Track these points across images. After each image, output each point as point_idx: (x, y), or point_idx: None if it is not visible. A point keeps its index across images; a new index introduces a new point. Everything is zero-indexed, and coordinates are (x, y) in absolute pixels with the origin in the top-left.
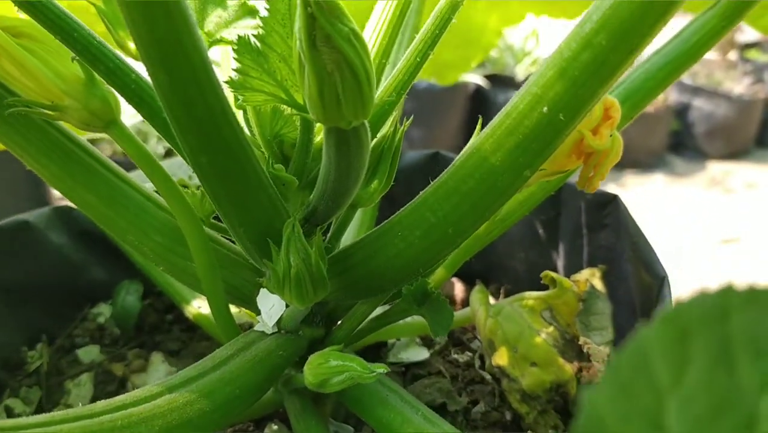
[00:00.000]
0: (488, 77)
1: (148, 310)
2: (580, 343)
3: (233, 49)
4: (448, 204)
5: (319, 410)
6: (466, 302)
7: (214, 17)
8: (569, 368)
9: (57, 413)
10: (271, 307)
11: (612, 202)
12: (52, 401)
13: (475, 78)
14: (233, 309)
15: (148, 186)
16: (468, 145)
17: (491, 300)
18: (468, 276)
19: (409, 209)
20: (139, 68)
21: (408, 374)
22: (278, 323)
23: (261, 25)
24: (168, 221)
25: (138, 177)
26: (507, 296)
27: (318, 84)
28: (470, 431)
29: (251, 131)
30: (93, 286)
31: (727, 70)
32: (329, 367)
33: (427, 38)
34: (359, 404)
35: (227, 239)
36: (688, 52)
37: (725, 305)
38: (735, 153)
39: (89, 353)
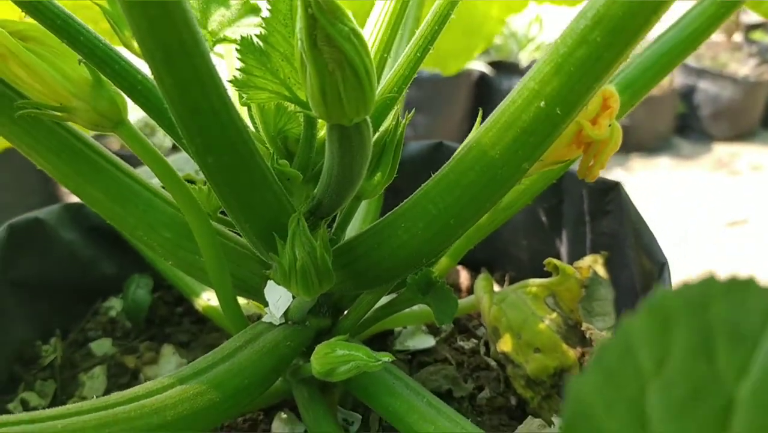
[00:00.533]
0: (492, 64)
1: (158, 303)
2: (582, 329)
3: (237, 49)
4: (449, 196)
5: (327, 399)
6: (471, 290)
7: (217, 16)
8: (572, 353)
9: (72, 405)
10: (278, 298)
11: (614, 189)
12: (66, 394)
13: (479, 65)
14: (242, 301)
15: (155, 182)
16: (468, 138)
17: (495, 287)
18: (473, 264)
19: (411, 201)
20: (146, 68)
21: (414, 361)
22: (285, 314)
23: (263, 24)
24: (175, 216)
25: (145, 173)
26: (511, 283)
27: (320, 82)
28: (476, 417)
29: (256, 128)
30: (104, 280)
31: (733, 51)
32: (336, 356)
33: (427, 33)
34: (366, 392)
35: (234, 232)
36: (687, 39)
37: (706, 295)
38: (741, 135)
39: (102, 346)
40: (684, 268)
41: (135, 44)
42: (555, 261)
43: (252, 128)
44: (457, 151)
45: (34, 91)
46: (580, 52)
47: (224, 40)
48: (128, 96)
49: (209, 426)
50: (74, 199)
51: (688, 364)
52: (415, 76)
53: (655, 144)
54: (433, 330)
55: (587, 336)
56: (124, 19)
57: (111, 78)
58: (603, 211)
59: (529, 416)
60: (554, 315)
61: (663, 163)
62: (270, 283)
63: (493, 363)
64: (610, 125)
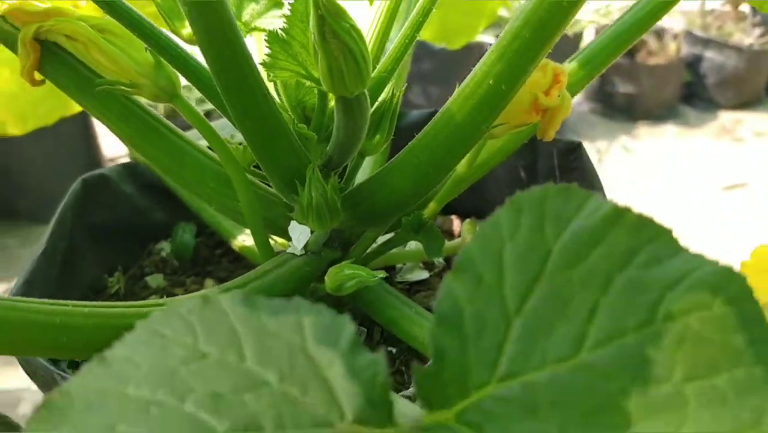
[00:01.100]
0: None
1: (201, 246)
2: None
3: (265, 39)
4: (428, 151)
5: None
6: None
7: (249, 10)
8: None
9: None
10: (299, 234)
11: (577, 149)
12: None
13: (488, 38)
14: (271, 241)
15: (201, 143)
16: (443, 106)
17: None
18: (464, 213)
19: (401, 155)
20: (192, 50)
21: (412, 290)
22: (305, 247)
23: (285, 20)
24: (218, 170)
25: (193, 135)
26: None
27: (328, 65)
28: None
29: (281, 99)
30: (156, 227)
31: (738, 22)
32: (344, 274)
33: (410, 30)
34: (369, 306)
35: (264, 183)
36: (640, 22)
37: (545, 194)
38: (746, 103)
39: (155, 280)
40: (685, 226)
41: (183, 32)
42: None
43: (277, 99)
44: (435, 116)
45: (110, 72)
46: (515, 45)
47: (255, 29)
48: (182, 74)
49: None
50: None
51: (529, 234)
52: (428, 50)
53: (662, 112)
54: (428, 267)
55: None
56: (174, 11)
57: (168, 61)
58: (569, 167)
59: None
60: None
61: (669, 130)
62: (293, 222)
63: None
64: (560, 95)
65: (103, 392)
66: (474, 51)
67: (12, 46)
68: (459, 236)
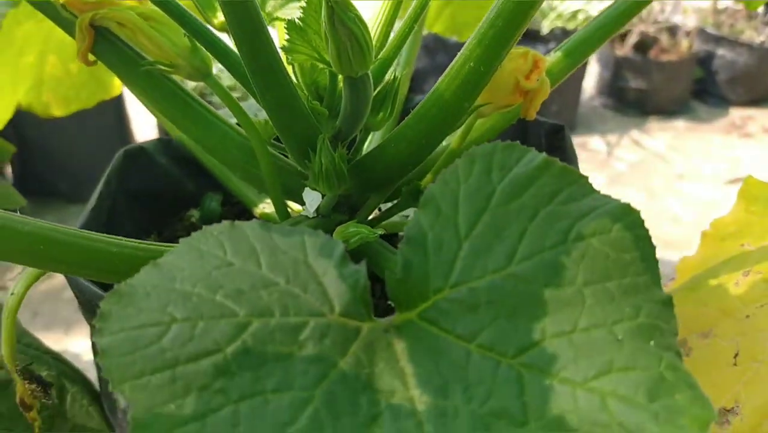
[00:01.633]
0: None
1: (226, 213)
2: None
3: (285, 27)
4: (420, 124)
5: None
6: None
7: (272, 2)
8: None
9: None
10: (312, 199)
11: (562, 130)
12: None
13: None
14: (288, 207)
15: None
16: (434, 85)
17: None
18: None
19: (398, 129)
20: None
21: None
22: (317, 210)
23: (302, 10)
24: (243, 142)
25: (224, 114)
26: None
27: (336, 49)
28: None
29: (297, 79)
30: (186, 196)
31: (750, 20)
32: (349, 231)
33: (409, 22)
34: (372, 261)
35: (283, 154)
36: (618, 17)
37: (494, 148)
38: (756, 99)
39: None
40: (690, 219)
41: (214, 21)
42: None
43: (295, 80)
44: (427, 94)
45: (153, 53)
46: (491, 32)
47: (276, 19)
48: (215, 57)
49: None
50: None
51: (479, 178)
52: (444, 43)
53: (673, 107)
54: None
55: None
56: (208, 3)
57: (203, 45)
58: (555, 146)
59: None
60: None
61: (679, 125)
62: (306, 188)
63: None
64: (539, 80)
65: (157, 286)
66: None
67: (69, 31)
68: None
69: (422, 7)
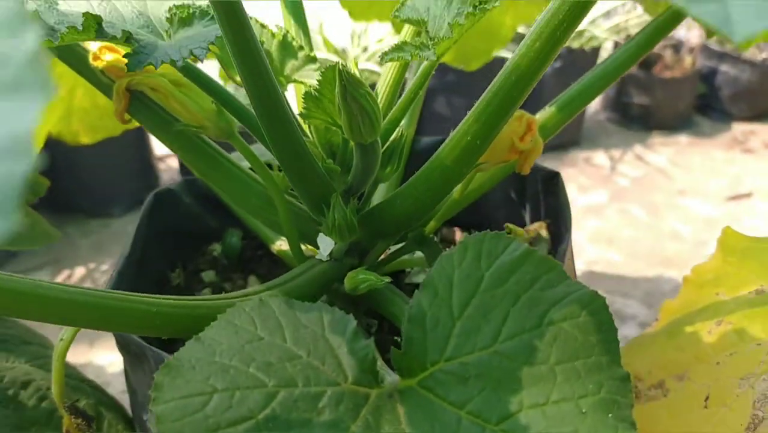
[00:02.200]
0: None
1: (246, 248)
2: None
3: (302, 96)
4: (424, 185)
5: (355, 310)
6: None
7: (290, 65)
8: None
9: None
10: (326, 244)
11: (556, 176)
12: None
13: (506, 53)
14: (303, 247)
15: (244, 164)
16: (437, 151)
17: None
18: (465, 226)
19: (405, 187)
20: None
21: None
22: (330, 254)
23: (318, 82)
24: (262, 191)
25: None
26: None
27: (348, 121)
28: None
29: (312, 138)
30: (209, 231)
31: None
32: (358, 278)
33: (410, 95)
34: (379, 304)
35: (299, 202)
36: (610, 73)
37: (484, 237)
38: (758, 114)
39: (208, 275)
40: (692, 234)
41: (236, 78)
42: (510, 225)
43: (310, 138)
44: (432, 156)
45: (182, 115)
46: (488, 110)
47: (294, 81)
48: (238, 120)
49: None
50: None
51: (471, 264)
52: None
53: (676, 123)
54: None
55: None
56: (230, 62)
57: (227, 109)
58: (550, 191)
59: None
60: None
61: (682, 140)
62: (320, 234)
63: None
64: (532, 140)
65: (200, 359)
66: (495, 65)
67: (106, 93)
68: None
69: (426, 75)
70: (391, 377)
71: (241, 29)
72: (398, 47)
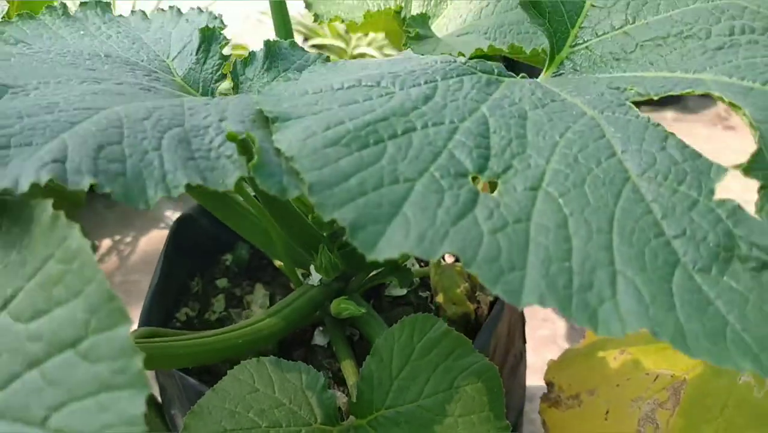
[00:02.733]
0: None
1: (253, 258)
2: (477, 293)
3: None
4: None
5: (340, 322)
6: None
7: None
8: (471, 306)
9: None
10: (316, 276)
11: None
12: (203, 309)
13: None
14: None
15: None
16: None
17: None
18: None
19: None
20: None
21: (394, 302)
22: (320, 281)
23: None
24: (265, 230)
25: None
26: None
27: None
28: None
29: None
30: (223, 245)
31: None
32: (341, 306)
33: None
34: (359, 324)
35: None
36: None
37: (416, 318)
38: None
39: (222, 282)
40: None
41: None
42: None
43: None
44: None
45: None
46: None
47: None
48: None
49: (283, 336)
50: None
51: (406, 338)
52: None
53: (665, 99)
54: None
55: (477, 298)
56: None
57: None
58: None
59: None
60: (466, 284)
61: (668, 115)
62: (312, 267)
63: (433, 307)
64: None
65: (215, 406)
66: None
67: None
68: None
69: None
70: (347, 420)
71: None
72: None
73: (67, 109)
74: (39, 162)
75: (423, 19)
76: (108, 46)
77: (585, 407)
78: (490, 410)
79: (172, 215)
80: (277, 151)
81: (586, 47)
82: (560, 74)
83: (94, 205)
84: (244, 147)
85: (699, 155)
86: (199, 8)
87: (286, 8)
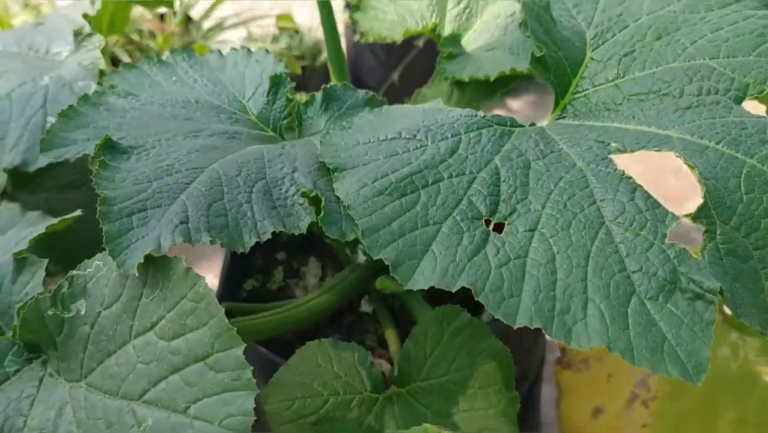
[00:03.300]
0: None
1: (306, 234)
2: None
3: None
4: None
5: (384, 294)
6: None
7: None
8: None
9: (276, 310)
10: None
11: None
12: (266, 281)
13: None
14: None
15: None
16: None
17: None
18: None
19: None
20: None
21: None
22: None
23: None
24: None
25: None
26: None
27: None
28: None
29: None
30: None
31: None
32: (385, 283)
33: None
34: (399, 296)
35: None
36: None
37: (444, 310)
38: None
39: (280, 255)
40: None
41: None
42: None
43: None
44: None
45: None
46: None
47: None
48: None
49: (335, 308)
50: None
51: (438, 326)
52: None
53: None
54: None
55: None
56: None
57: None
58: None
59: None
60: None
61: None
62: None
63: None
64: None
65: (287, 380)
66: None
67: None
68: None
69: None
70: (390, 389)
71: None
72: None
73: (180, 170)
74: (170, 225)
75: (454, 38)
76: (197, 92)
77: (592, 370)
78: (503, 384)
79: None
80: (337, 198)
81: (585, 95)
82: (563, 117)
83: None
84: (313, 200)
85: (659, 205)
86: (266, 50)
87: (337, 35)
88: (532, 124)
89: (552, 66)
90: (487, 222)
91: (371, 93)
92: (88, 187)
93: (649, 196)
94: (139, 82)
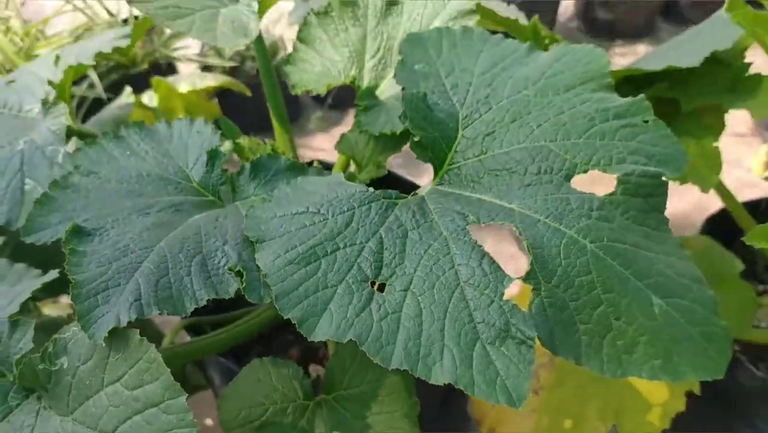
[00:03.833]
0: None
1: None
2: None
3: None
4: None
5: None
6: None
7: None
8: None
9: (220, 330)
10: None
11: None
12: None
13: None
14: None
15: None
16: None
17: None
18: None
19: None
20: None
21: None
22: None
23: None
24: None
25: None
26: None
27: None
28: None
29: None
30: None
31: None
32: None
33: None
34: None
35: None
36: None
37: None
38: None
39: None
40: None
41: None
42: None
43: None
44: None
45: None
46: None
47: None
48: None
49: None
50: None
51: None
52: None
53: (639, 31)
54: None
55: None
56: None
57: None
58: None
59: None
60: None
61: (641, 49)
62: None
63: None
64: None
65: (237, 392)
66: None
67: None
68: None
69: None
70: (319, 396)
71: None
72: None
73: (135, 250)
74: (127, 303)
75: (370, 91)
76: (148, 165)
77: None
78: (406, 392)
79: None
80: (258, 267)
81: (458, 167)
82: (442, 183)
83: None
84: (238, 273)
85: (500, 269)
86: (204, 120)
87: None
88: (414, 194)
89: (429, 146)
90: (372, 283)
91: (291, 160)
92: None
93: (493, 262)
94: (99, 159)
